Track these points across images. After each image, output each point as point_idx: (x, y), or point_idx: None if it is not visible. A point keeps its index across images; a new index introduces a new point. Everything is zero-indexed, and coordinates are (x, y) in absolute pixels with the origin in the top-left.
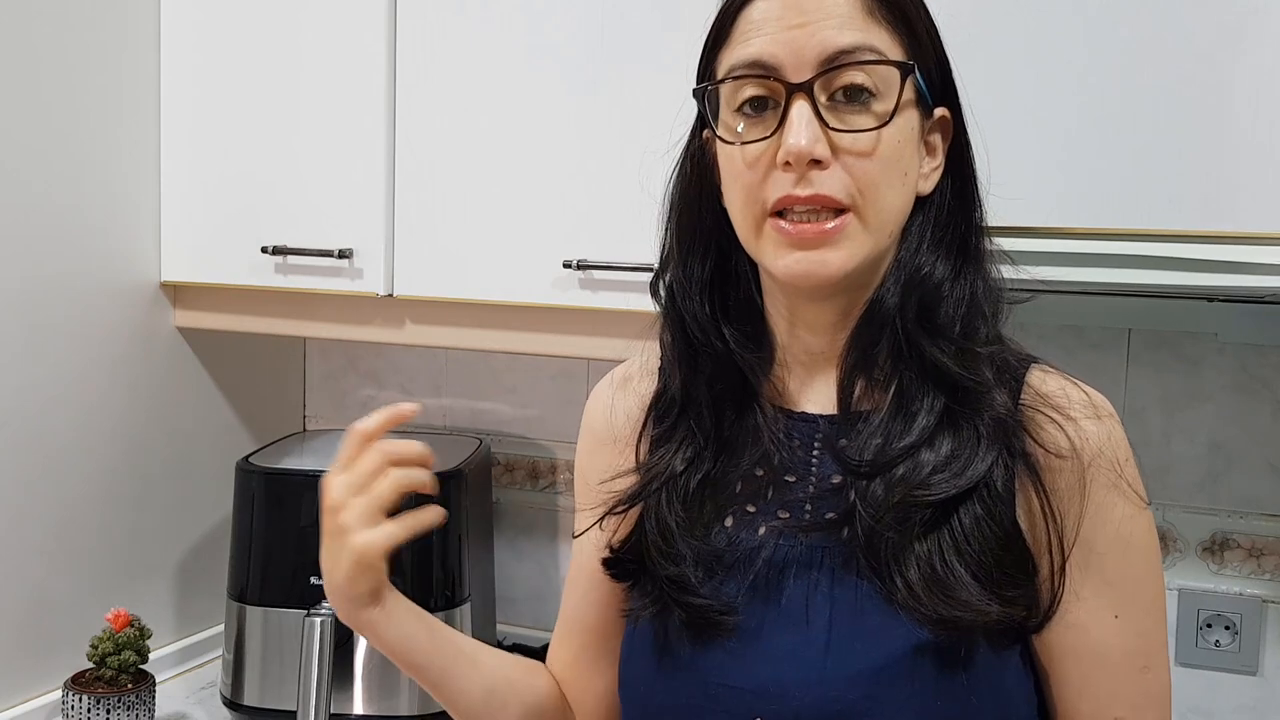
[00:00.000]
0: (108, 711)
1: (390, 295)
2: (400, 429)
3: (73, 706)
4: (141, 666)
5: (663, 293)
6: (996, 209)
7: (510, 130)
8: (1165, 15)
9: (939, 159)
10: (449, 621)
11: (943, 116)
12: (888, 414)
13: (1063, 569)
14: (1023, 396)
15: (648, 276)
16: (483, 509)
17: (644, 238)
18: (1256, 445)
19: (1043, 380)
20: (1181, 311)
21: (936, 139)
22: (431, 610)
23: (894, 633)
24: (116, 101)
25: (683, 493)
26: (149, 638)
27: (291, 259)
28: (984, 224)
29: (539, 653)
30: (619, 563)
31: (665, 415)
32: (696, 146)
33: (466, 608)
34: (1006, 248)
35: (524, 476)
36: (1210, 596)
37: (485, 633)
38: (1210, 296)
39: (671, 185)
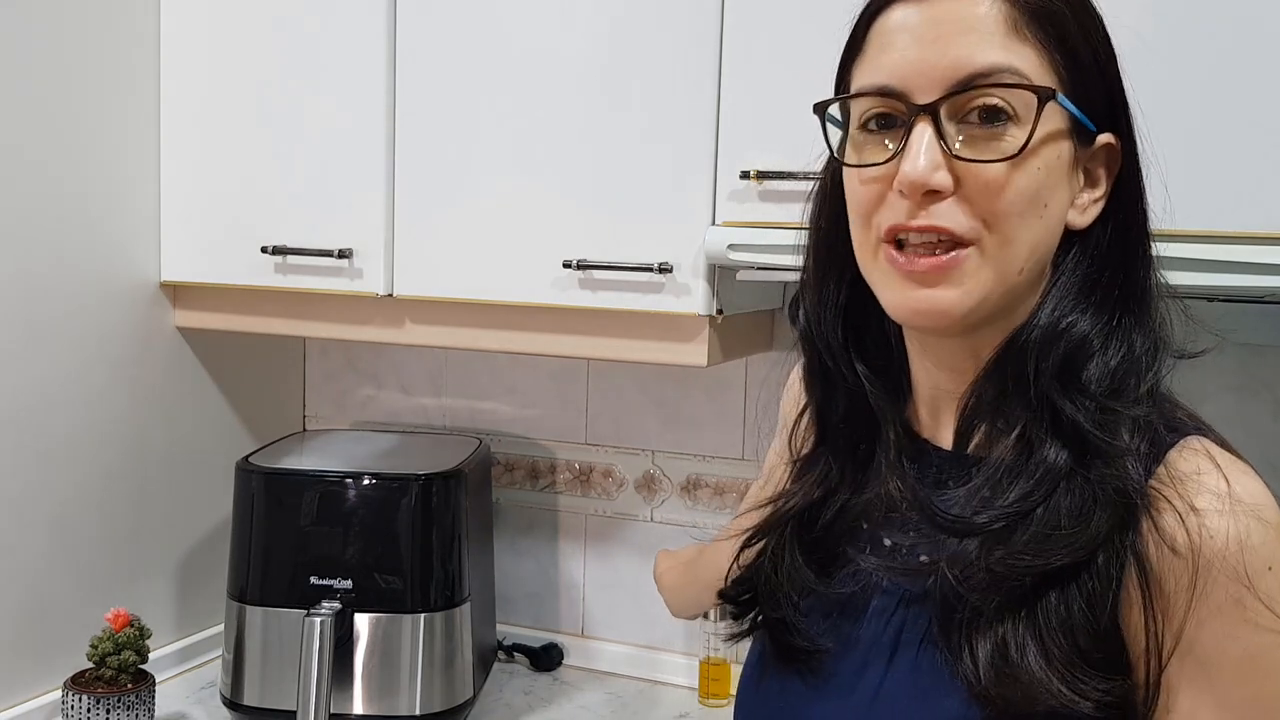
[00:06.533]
0: (108, 711)
1: (390, 295)
2: (401, 429)
3: (72, 706)
4: (141, 666)
5: (801, 318)
6: None
7: (510, 130)
8: (1161, 14)
9: (1101, 190)
10: (449, 621)
11: (1108, 144)
12: (1003, 467)
13: (1159, 680)
14: (1157, 473)
15: (648, 276)
16: (483, 509)
17: (644, 238)
18: (1256, 445)
19: (1184, 457)
20: None
21: (1100, 169)
22: (431, 610)
23: (943, 704)
24: (117, 102)
25: (809, 530)
26: (149, 638)
27: (291, 259)
28: (1153, 268)
29: (539, 653)
30: (734, 599)
31: (808, 439)
32: (835, 164)
33: (466, 608)
34: None
35: (524, 476)
36: None
37: (485, 633)
38: (1210, 296)
39: (811, 203)
